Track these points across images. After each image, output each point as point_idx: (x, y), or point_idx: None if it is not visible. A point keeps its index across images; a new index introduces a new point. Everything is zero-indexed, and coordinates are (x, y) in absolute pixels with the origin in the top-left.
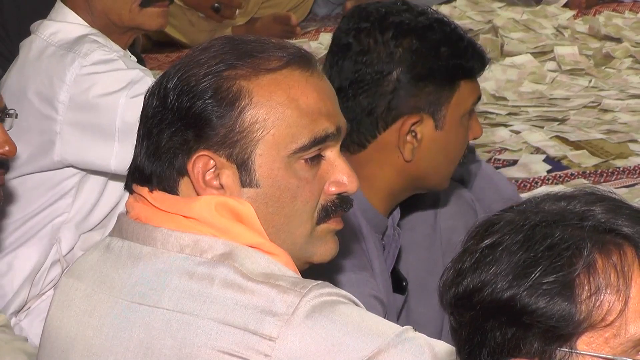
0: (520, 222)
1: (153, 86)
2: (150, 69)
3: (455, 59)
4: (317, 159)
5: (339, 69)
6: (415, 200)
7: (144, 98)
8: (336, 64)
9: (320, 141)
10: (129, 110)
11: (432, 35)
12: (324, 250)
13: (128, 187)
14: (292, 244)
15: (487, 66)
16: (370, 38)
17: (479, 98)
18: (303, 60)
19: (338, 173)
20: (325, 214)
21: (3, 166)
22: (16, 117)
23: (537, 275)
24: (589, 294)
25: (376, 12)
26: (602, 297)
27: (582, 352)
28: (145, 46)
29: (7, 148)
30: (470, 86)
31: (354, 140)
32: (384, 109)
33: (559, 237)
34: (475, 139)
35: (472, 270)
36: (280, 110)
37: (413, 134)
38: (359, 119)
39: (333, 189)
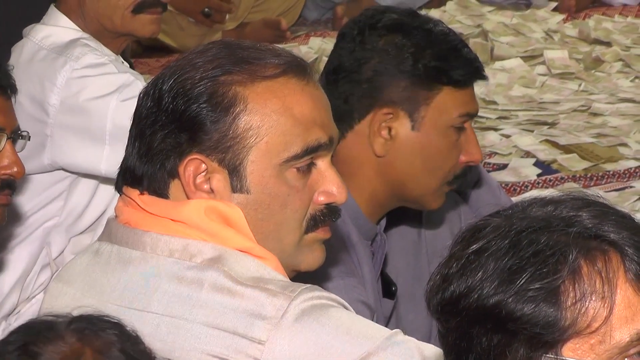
0: (506, 228)
1: (148, 86)
2: (141, 73)
3: (437, 62)
4: (308, 168)
5: (329, 57)
6: (403, 207)
7: (138, 98)
8: (331, 53)
9: (312, 151)
10: (119, 114)
11: (421, 36)
12: (311, 258)
13: (118, 188)
14: (281, 251)
15: (476, 80)
16: (362, 29)
17: (469, 114)
18: (299, 68)
19: (328, 183)
20: (313, 223)
21: (10, 187)
22: (29, 139)
23: (522, 281)
24: (574, 301)
25: (381, 12)
26: (587, 303)
27: (567, 359)
28: (135, 51)
29: (15, 169)
30: (455, 95)
31: None
32: (359, 97)
33: (545, 244)
34: (472, 163)
35: (458, 276)
36: (274, 118)
37: (388, 129)
38: (338, 105)
39: (322, 199)
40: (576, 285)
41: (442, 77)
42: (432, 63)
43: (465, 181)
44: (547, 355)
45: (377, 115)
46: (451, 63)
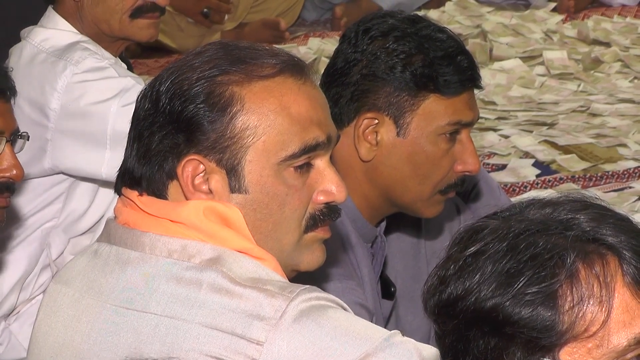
0: (504, 231)
1: (146, 89)
2: (139, 74)
3: (425, 69)
4: (307, 167)
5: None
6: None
7: (137, 100)
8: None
9: (310, 149)
10: (120, 118)
11: (414, 42)
12: (311, 258)
13: (117, 190)
14: (280, 251)
15: (467, 89)
16: (358, 32)
17: (460, 122)
18: (296, 68)
19: (327, 182)
20: (313, 223)
21: (9, 189)
22: (28, 139)
23: (520, 285)
24: (571, 305)
25: (382, 16)
26: (584, 307)
27: None
28: (134, 52)
29: (14, 172)
30: (443, 103)
31: None
32: (347, 101)
33: (543, 247)
34: (468, 172)
35: (456, 278)
36: (271, 118)
37: (375, 134)
38: (330, 108)
39: (321, 198)
40: (574, 289)
41: (429, 84)
42: (420, 70)
43: (463, 186)
44: (544, 358)
45: (363, 120)
46: (439, 70)
